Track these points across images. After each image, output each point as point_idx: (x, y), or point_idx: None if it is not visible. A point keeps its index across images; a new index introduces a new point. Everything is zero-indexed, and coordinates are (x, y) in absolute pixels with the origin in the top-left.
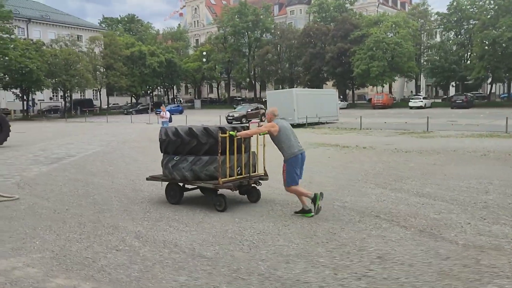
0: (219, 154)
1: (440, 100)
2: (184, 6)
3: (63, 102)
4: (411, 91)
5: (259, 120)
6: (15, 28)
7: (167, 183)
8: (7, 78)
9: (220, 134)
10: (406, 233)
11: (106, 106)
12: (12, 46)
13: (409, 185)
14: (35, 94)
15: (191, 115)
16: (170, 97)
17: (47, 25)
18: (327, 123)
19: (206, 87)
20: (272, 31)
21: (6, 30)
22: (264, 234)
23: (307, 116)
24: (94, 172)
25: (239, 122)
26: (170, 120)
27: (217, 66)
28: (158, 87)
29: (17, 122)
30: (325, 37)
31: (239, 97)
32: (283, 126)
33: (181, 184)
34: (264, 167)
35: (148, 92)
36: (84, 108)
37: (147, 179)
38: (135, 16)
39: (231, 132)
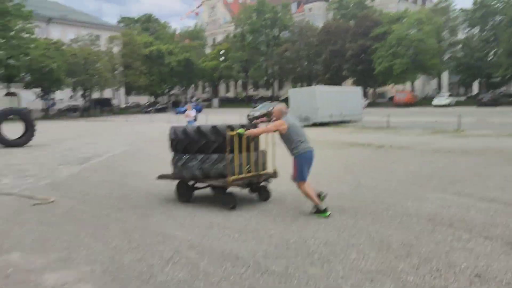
0: (227, 152)
1: (464, 98)
2: (201, 5)
3: (83, 101)
4: (434, 89)
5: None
6: (36, 28)
7: (177, 181)
8: (28, 77)
9: (229, 132)
10: (494, 246)
11: (125, 105)
12: (33, 45)
13: (470, 189)
14: (55, 93)
15: (211, 114)
16: (187, 96)
17: (67, 25)
18: (350, 121)
19: (223, 86)
20: (291, 29)
21: (27, 30)
22: (331, 245)
23: (331, 115)
24: (126, 173)
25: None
26: (195, 119)
27: (234, 65)
28: (176, 86)
29: (38, 121)
30: (346, 35)
31: (256, 95)
32: (292, 123)
33: (191, 182)
34: (274, 166)
35: (166, 91)
36: (103, 107)
37: (157, 178)
38: (152, 16)
39: (239, 130)
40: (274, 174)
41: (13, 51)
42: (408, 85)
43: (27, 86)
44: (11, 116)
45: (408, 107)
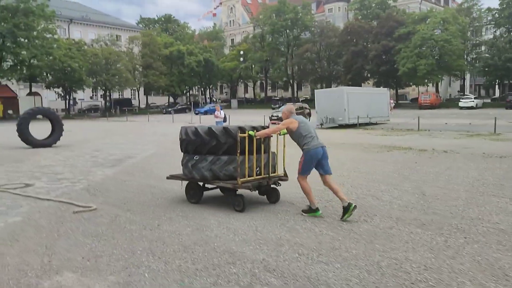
0: (238, 154)
1: (489, 100)
2: (218, 6)
3: (103, 101)
4: (457, 91)
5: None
6: (58, 28)
7: (186, 182)
8: (51, 77)
9: (239, 134)
10: None
11: (144, 106)
12: (55, 45)
13: None
14: (77, 93)
15: (232, 115)
16: (206, 96)
17: (88, 26)
18: (377, 123)
19: (241, 87)
20: (312, 29)
21: (50, 30)
22: (434, 271)
23: (358, 116)
24: (162, 177)
25: None
26: (225, 119)
27: (254, 65)
28: (195, 87)
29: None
30: (368, 35)
31: (275, 96)
32: (301, 120)
33: (200, 183)
34: (284, 168)
35: (185, 91)
36: (123, 107)
37: (167, 178)
38: (172, 16)
39: (250, 132)
40: (284, 177)
41: (37, 51)
42: (430, 86)
43: (49, 86)
44: (39, 116)
45: (433, 109)
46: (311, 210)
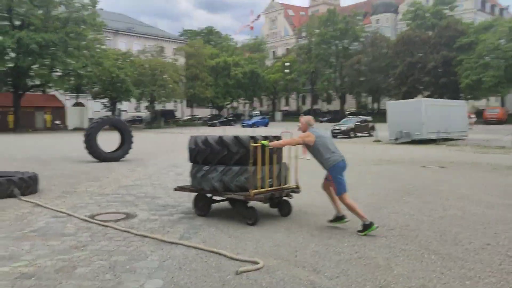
0: (250, 165)
1: None
2: (256, 19)
3: (147, 113)
4: None
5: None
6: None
7: (195, 194)
8: (98, 87)
9: (252, 144)
10: None
11: (187, 118)
12: (104, 56)
13: None
14: (121, 104)
15: (280, 127)
16: (249, 109)
17: (132, 37)
18: (455, 139)
19: (282, 100)
20: (362, 39)
21: (99, 41)
22: None
23: (437, 131)
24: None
25: (347, 136)
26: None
27: (300, 77)
28: (239, 99)
29: (108, 132)
30: (425, 46)
31: (318, 109)
32: (319, 134)
33: (209, 195)
34: (297, 179)
35: (228, 104)
36: (168, 119)
37: (175, 189)
38: (213, 28)
39: (263, 142)
40: (296, 188)
41: (87, 61)
42: (493, 100)
43: (95, 96)
44: (105, 127)
45: (501, 124)
46: (365, 227)
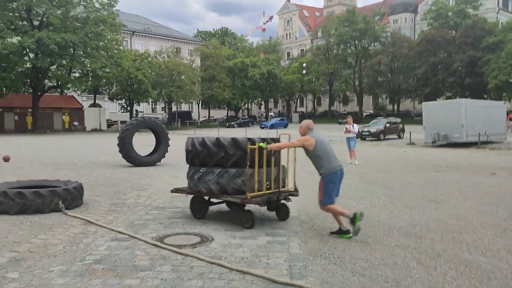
0: (247, 167)
1: None
2: (268, 21)
3: (164, 114)
4: None
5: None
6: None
7: (191, 196)
8: (115, 88)
9: (249, 146)
10: None
11: (203, 119)
12: (123, 56)
13: None
14: (139, 105)
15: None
16: (264, 110)
17: (149, 38)
18: (494, 142)
19: (296, 101)
20: (382, 39)
21: (117, 41)
22: None
23: (478, 133)
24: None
25: (376, 138)
26: (358, 136)
27: (318, 78)
28: (256, 100)
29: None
30: (449, 45)
31: (336, 111)
32: (319, 139)
33: (206, 197)
34: (295, 183)
35: (244, 105)
36: (185, 121)
37: (171, 191)
38: (228, 30)
39: (260, 144)
40: (295, 192)
41: (106, 61)
42: None
43: (112, 97)
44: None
45: None
46: (340, 232)
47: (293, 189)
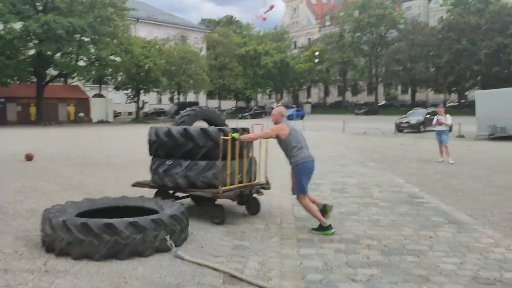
0: (219, 159)
1: None
2: (269, 10)
3: (171, 105)
4: None
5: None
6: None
7: (155, 190)
8: (122, 78)
9: (222, 137)
10: None
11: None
12: (133, 43)
13: None
14: (145, 95)
15: (316, 121)
16: (274, 101)
17: (153, 25)
18: None
19: (304, 91)
20: (400, 26)
21: (124, 27)
22: None
23: None
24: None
25: (416, 131)
26: (451, 129)
27: (332, 67)
28: (267, 90)
29: (136, 125)
30: (473, 32)
31: (347, 101)
32: (293, 128)
33: (171, 192)
34: (266, 175)
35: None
36: None
37: (132, 185)
38: (233, 17)
39: (234, 134)
40: (266, 185)
41: (116, 49)
42: None
43: (118, 87)
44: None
45: None
46: (321, 228)
47: (264, 182)
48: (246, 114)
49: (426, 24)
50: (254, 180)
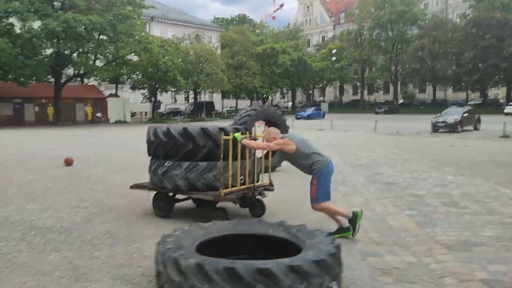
0: (220, 160)
1: None
2: (278, 9)
3: (187, 105)
4: None
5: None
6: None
7: (154, 193)
8: (138, 77)
9: (223, 136)
10: None
11: (225, 110)
12: (152, 41)
13: None
14: (161, 95)
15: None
16: (284, 100)
17: (167, 24)
18: None
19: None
20: (421, 23)
21: (144, 25)
22: None
23: None
24: None
25: (452, 131)
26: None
27: (351, 65)
28: (283, 89)
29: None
30: (500, 28)
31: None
32: (298, 139)
33: (171, 194)
34: (270, 176)
35: (273, 94)
36: (211, 111)
37: (130, 187)
38: (246, 16)
39: (236, 134)
40: (270, 186)
41: (136, 47)
42: None
43: (134, 87)
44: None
45: None
46: (341, 230)
47: (268, 184)
48: None
49: (450, 20)
50: (258, 182)
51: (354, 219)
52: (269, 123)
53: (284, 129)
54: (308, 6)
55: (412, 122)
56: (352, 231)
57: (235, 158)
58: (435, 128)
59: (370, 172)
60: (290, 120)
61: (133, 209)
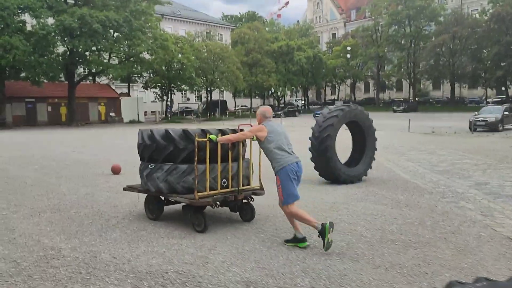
0: (195, 162)
1: None
2: (284, 6)
3: (200, 104)
4: None
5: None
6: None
7: (145, 195)
8: (153, 75)
9: (197, 138)
10: None
11: (238, 108)
12: (167, 38)
13: None
14: (174, 94)
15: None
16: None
17: (178, 22)
18: None
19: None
20: (441, 19)
21: (155, 21)
22: None
23: None
24: None
25: (493, 129)
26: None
27: (366, 63)
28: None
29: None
30: None
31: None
32: (272, 129)
33: (162, 196)
34: (260, 179)
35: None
36: (223, 110)
37: (124, 189)
38: (256, 13)
39: (211, 136)
40: (260, 190)
41: (152, 44)
42: None
43: (147, 86)
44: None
45: None
46: (295, 240)
47: (258, 187)
48: (279, 112)
49: (470, 15)
50: (247, 185)
51: (323, 231)
52: (356, 124)
53: (371, 136)
54: (317, 3)
55: (438, 121)
56: (306, 242)
57: (216, 160)
58: (475, 127)
59: (471, 182)
60: (306, 118)
61: (225, 231)
